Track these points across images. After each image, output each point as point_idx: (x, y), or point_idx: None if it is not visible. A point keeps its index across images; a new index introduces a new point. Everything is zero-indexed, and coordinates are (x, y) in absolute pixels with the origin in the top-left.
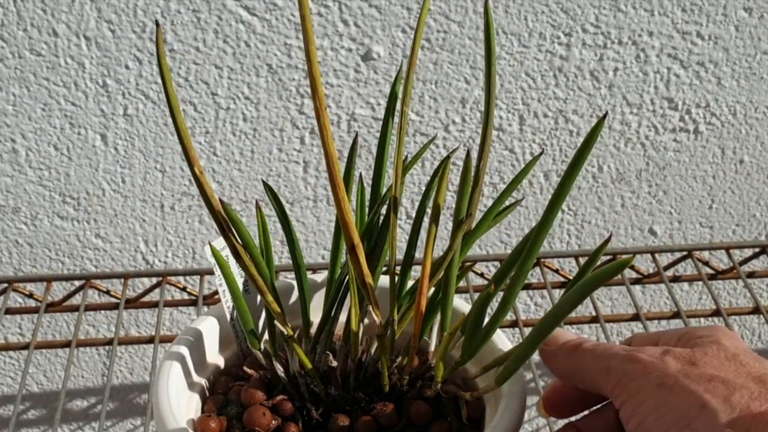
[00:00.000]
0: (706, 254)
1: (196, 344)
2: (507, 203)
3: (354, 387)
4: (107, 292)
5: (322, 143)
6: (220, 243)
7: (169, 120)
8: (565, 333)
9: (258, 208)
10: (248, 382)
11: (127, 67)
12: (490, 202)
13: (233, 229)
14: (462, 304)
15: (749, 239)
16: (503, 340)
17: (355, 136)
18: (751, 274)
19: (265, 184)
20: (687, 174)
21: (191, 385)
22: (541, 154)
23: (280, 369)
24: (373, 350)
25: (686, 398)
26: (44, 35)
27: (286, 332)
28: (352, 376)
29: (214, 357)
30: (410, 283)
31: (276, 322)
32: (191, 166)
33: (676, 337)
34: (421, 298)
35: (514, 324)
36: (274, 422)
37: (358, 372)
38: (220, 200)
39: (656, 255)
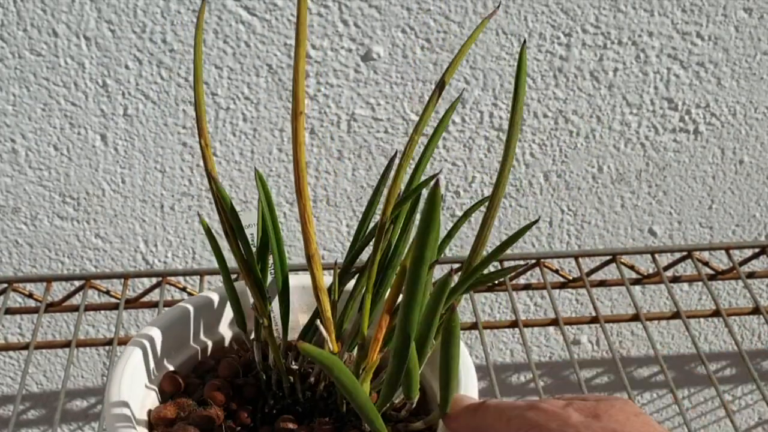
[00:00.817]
0: (705, 254)
1: (179, 324)
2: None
3: (323, 395)
4: (107, 292)
5: (293, 150)
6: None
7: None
8: (467, 397)
9: (260, 178)
10: (230, 357)
11: (126, 67)
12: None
13: (225, 209)
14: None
15: (749, 239)
16: (465, 357)
17: (393, 155)
18: (751, 275)
19: (258, 175)
20: (687, 174)
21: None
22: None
23: (257, 354)
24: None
25: None
26: (44, 35)
27: (262, 321)
28: (323, 384)
29: (224, 328)
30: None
31: (254, 310)
32: (199, 136)
33: (580, 398)
34: (379, 336)
35: (513, 324)
36: (229, 402)
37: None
38: (212, 176)
39: (656, 255)
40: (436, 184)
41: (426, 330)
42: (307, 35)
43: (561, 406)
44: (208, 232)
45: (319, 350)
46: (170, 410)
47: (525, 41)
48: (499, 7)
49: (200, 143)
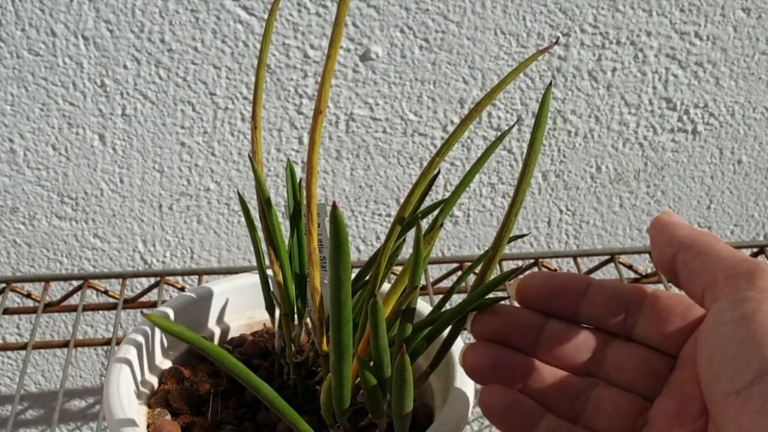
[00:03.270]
0: None
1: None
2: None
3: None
4: (105, 292)
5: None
6: None
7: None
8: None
9: (289, 166)
10: (260, 338)
11: (125, 67)
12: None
13: (261, 193)
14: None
15: (747, 240)
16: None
17: (436, 173)
18: None
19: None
20: (685, 174)
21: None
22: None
23: (277, 341)
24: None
25: None
26: (42, 35)
27: (282, 309)
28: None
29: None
30: (387, 286)
31: (275, 294)
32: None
33: None
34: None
35: None
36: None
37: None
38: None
39: None
40: (334, 206)
41: (378, 355)
42: (343, 34)
43: None
44: (246, 212)
45: (193, 335)
46: (171, 383)
47: (551, 83)
48: (556, 42)
49: (253, 123)
